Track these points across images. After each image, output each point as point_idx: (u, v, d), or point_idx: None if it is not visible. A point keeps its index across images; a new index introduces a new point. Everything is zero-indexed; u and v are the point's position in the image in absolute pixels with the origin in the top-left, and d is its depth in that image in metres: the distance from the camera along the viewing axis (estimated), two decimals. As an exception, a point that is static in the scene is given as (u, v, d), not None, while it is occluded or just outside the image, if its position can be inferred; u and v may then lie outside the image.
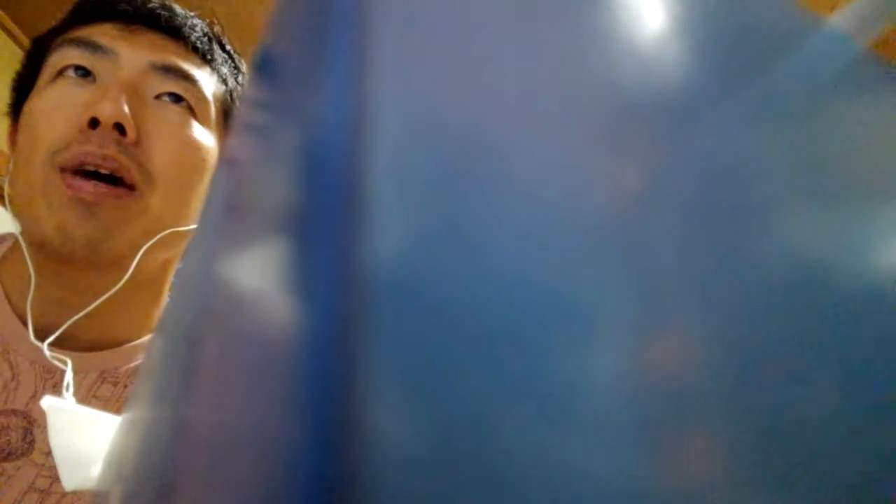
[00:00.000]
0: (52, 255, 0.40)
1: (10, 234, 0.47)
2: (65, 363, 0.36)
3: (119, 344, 0.44)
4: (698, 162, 0.10)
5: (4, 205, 0.45)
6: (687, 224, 0.10)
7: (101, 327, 0.43)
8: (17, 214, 0.42)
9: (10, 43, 1.60)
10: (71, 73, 0.42)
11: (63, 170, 0.39)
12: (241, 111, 0.47)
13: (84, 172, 0.39)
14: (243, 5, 1.49)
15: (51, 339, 0.37)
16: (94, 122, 0.39)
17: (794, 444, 0.08)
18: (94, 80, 0.42)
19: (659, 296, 0.09)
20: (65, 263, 0.40)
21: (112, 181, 0.40)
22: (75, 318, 0.40)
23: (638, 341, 0.08)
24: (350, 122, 0.08)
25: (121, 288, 0.41)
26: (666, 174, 0.10)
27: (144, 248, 0.40)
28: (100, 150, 0.39)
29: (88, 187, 0.39)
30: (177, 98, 0.43)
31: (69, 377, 0.34)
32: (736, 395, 0.08)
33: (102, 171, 0.39)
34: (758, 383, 0.08)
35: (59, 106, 0.41)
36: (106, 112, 0.39)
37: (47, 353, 0.36)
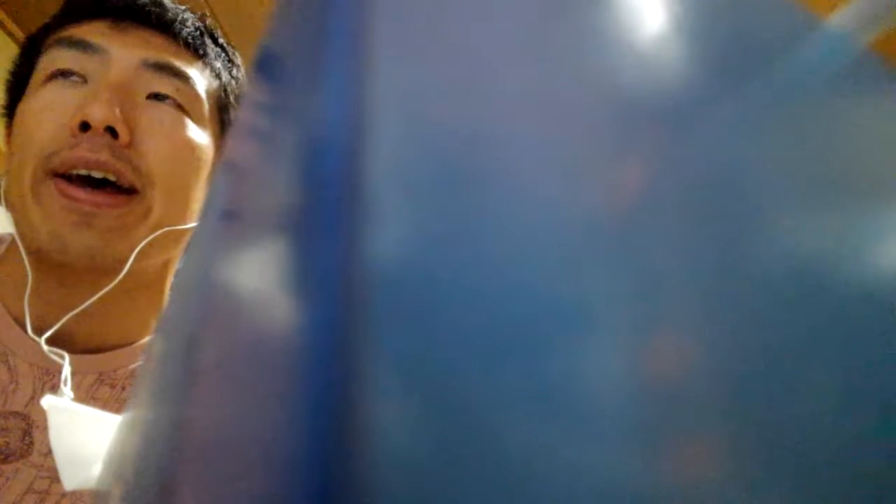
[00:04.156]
0: (48, 259, 0.40)
1: (7, 234, 0.47)
2: (62, 357, 0.35)
3: (118, 346, 0.44)
4: (698, 162, 0.10)
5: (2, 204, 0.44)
6: (687, 224, 0.10)
7: (99, 329, 0.43)
8: (13, 215, 0.42)
9: (10, 43, 1.59)
10: (61, 76, 0.41)
11: (56, 174, 0.38)
12: (240, 111, 0.47)
13: (77, 177, 0.39)
14: (243, 5, 1.49)
15: (48, 333, 0.37)
16: (84, 126, 0.38)
17: (794, 444, 0.08)
18: (86, 81, 0.41)
19: (659, 296, 0.09)
20: (61, 267, 0.40)
21: (105, 184, 0.39)
22: (72, 313, 0.39)
23: (639, 342, 0.08)
24: (350, 121, 0.08)
25: (120, 290, 0.40)
26: (666, 174, 0.10)
27: (139, 247, 0.40)
28: (91, 154, 0.38)
29: (84, 196, 0.38)
30: (168, 97, 0.42)
31: (66, 372, 0.33)
32: (736, 396, 0.08)
33: (95, 174, 0.39)
34: (758, 384, 0.08)
35: (49, 108, 0.40)
36: (96, 115, 0.38)
37: (45, 347, 0.36)
